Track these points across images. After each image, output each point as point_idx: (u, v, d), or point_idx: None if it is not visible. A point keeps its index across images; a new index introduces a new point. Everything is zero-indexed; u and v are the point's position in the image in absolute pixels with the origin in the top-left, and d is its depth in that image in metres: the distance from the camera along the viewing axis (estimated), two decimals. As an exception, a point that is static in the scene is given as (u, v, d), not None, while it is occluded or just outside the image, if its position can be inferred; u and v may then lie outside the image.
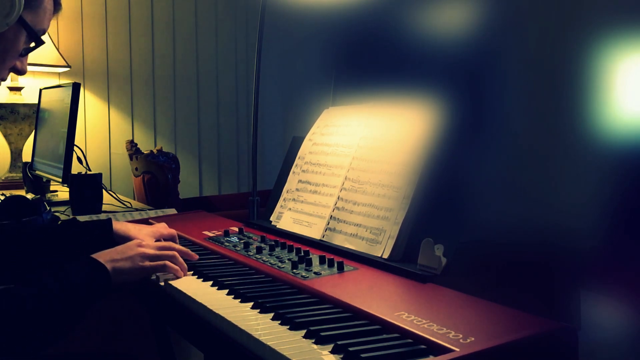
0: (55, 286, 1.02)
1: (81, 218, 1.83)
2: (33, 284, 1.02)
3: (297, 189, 1.46)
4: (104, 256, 1.10)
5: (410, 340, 0.80)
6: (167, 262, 1.14)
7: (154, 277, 1.15)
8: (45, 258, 1.27)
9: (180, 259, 1.17)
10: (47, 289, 1.01)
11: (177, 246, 1.22)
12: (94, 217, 1.86)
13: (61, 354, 1.27)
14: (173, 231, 1.37)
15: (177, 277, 1.14)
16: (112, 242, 1.26)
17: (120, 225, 1.32)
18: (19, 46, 1.19)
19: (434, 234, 1.07)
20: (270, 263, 1.17)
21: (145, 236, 1.30)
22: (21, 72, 1.25)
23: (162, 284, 1.13)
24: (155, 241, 1.30)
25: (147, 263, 1.12)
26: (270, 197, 1.57)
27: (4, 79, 1.24)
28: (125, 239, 1.28)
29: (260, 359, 0.81)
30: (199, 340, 0.99)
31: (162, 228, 1.36)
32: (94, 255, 1.10)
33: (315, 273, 1.09)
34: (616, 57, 1.37)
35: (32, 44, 1.23)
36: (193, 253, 1.24)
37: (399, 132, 1.29)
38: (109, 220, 1.33)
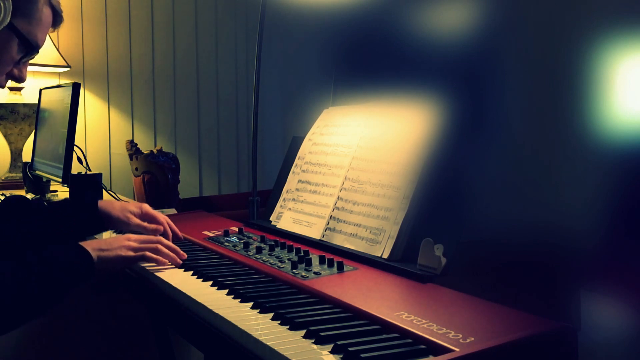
0: (35, 260, 1.07)
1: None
2: (14, 258, 1.07)
3: (297, 189, 1.46)
4: (92, 244, 1.17)
5: (410, 340, 0.80)
6: (146, 253, 1.21)
7: (145, 266, 1.22)
8: (35, 239, 1.33)
9: (165, 250, 1.23)
10: (26, 262, 1.06)
11: (167, 242, 1.26)
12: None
13: (61, 352, 1.29)
14: (158, 214, 1.43)
15: (162, 265, 1.21)
16: (99, 221, 1.38)
17: (104, 204, 1.40)
18: (11, 53, 1.18)
19: (433, 234, 1.07)
20: (270, 263, 1.17)
21: (130, 214, 1.39)
22: (19, 79, 1.24)
23: (162, 277, 1.16)
24: (141, 218, 1.41)
25: (130, 253, 1.20)
26: (270, 197, 1.57)
27: (2, 86, 1.23)
28: (108, 216, 1.39)
29: (260, 359, 0.81)
30: (199, 340, 0.99)
31: (148, 207, 1.43)
32: (83, 243, 1.16)
33: (315, 273, 1.09)
34: (616, 57, 1.37)
35: (30, 54, 1.22)
36: (182, 252, 1.26)
37: (398, 132, 1.29)
38: (95, 203, 1.40)
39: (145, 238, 1.25)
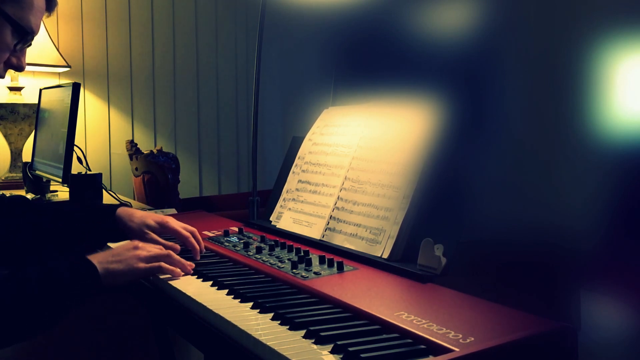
0: (35, 276, 1.01)
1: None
2: (13, 259, 1.02)
3: (297, 189, 1.46)
4: (98, 257, 1.10)
5: (410, 340, 0.80)
6: (162, 264, 1.14)
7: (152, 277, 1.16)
8: (51, 245, 1.29)
9: (177, 257, 1.17)
10: (25, 277, 1.00)
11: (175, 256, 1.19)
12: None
13: (61, 352, 1.27)
14: (181, 230, 1.31)
15: (177, 276, 1.14)
16: (115, 230, 1.31)
17: (123, 212, 1.32)
18: (5, 40, 1.14)
19: (433, 234, 1.07)
20: (270, 263, 1.17)
21: (146, 229, 1.30)
22: (18, 68, 1.19)
23: (162, 277, 1.14)
24: (162, 233, 1.31)
25: (142, 265, 1.13)
26: (270, 197, 1.57)
27: (2, 76, 1.21)
28: (125, 226, 1.30)
29: (260, 359, 0.81)
30: (199, 340, 0.99)
31: (171, 221, 1.34)
32: (89, 256, 1.10)
33: (315, 273, 1.09)
34: (616, 57, 1.37)
35: (25, 40, 1.19)
36: (190, 262, 1.19)
37: (398, 132, 1.29)
38: (113, 210, 1.33)
39: (156, 248, 1.17)
